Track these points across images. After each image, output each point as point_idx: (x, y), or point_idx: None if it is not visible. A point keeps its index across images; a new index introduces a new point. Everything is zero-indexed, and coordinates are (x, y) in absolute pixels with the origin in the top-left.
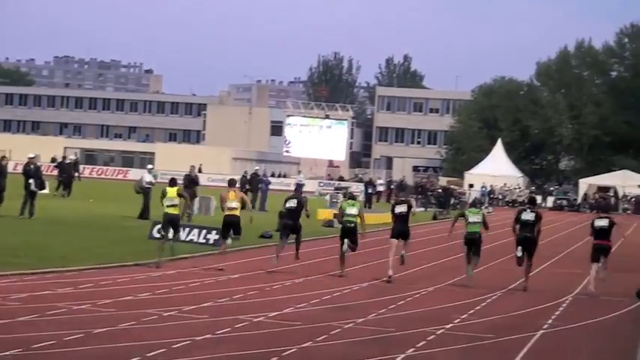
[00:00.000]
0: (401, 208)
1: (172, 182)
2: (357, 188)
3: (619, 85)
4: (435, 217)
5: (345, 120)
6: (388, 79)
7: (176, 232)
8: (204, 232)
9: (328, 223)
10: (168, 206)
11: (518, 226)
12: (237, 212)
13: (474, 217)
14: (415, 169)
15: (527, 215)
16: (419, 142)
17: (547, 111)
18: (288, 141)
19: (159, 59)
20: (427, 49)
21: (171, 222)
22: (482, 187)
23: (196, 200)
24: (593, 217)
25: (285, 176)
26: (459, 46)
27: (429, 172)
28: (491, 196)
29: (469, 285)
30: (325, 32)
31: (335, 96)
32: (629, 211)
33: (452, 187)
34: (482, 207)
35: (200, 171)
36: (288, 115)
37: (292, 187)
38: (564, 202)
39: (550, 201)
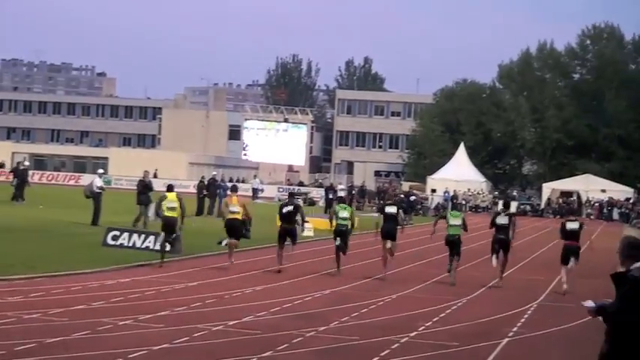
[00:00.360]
0: (391, 209)
1: (170, 188)
2: (318, 193)
3: (581, 88)
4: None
5: (305, 124)
6: (348, 82)
7: (172, 233)
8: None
9: None
10: (168, 209)
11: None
12: (238, 216)
13: (454, 220)
14: (377, 173)
15: (502, 219)
16: (380, 147)
17: (509, 114)
18: (246, 145)
19: (112, 62)
20: (388, 52)
21: (170, 225)
22: (445, 192)
23: (152, 206)
24: (563, 220)
25: (243, 181)
26: (420, 48)
27: (391, 177)
28: (455, 201)
29: (451, 283)
30: (284, 34)
31: (294, 99)
32: (592, 216)
33: (414, 192)
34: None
35: (156, 176)
36: (247, 119)
37: (249, 193)
38: (528, 208)
39: (513, 206)
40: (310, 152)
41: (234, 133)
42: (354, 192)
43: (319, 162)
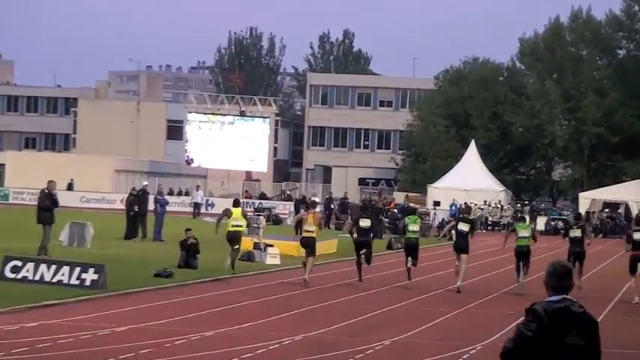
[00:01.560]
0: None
1: (236, 203)
2: (285, 208)
3: (628, 68)
4: (390, 246)
5: (267, 118)
6: (323, 63)
7: (236, 245)
8: (77, 270)
9: (247, 256)
10: (233, 225)
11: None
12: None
13: (523, 231)
14: (362, 182)
15: (576, 232)
16: (366, 147)
17: (534, 103)
18: (190, 146)
19: (10, 42)
20: (374, 23)
21: (234, 239)
22: (452, 205)
23: (65, 227)
24: (629, 231)
25: (186, 194)
26: (417, 19)
27: (381, 187)
28: (463, 215)
29: (522, 292)
30: (238, 2)
31: (253, 86)
32: None
33: (411, 205)
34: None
35: (71, 188)
36: (191, 112)
37: (190, 209)
38: (560, 224)
39: (542, 222)
40: (275, 155)
41: (175, 131)
42: (333, 206)
43: (286, 167)
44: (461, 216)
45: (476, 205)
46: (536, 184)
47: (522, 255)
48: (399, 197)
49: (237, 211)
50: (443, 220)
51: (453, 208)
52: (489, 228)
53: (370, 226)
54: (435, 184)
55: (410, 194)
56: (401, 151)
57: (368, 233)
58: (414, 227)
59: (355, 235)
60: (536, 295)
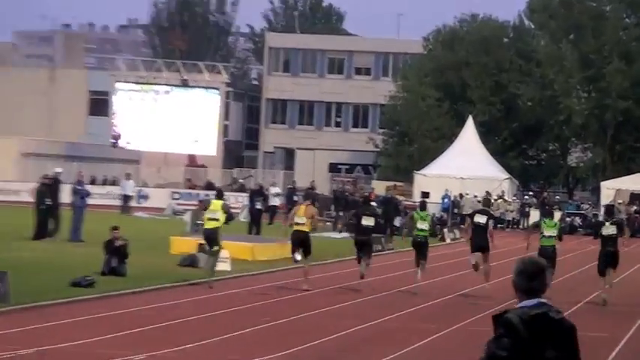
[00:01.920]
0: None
1: (219, 194)
2: (237, 201)
3: None
4: None
5: (216, 88)
6: (286, 21)
7: (213, 245)
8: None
9: (190, 260)
10: (208, 219)
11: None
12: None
13: (549, 230)
14: (333, 168)
15: (610, 229)
16: (338, 125)
17: (547, 70)
18: (118, 123)
19: None
20: None
21: (211, 237)
22: (445, 197)
23: None
24: None
25: (113, 183)
26: None
27: (357, 174)
28: (458, 211)
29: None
30: None
31: (198, 50)
32: None
33: (396, 196)
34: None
35: None
36: (119, 82)
37: (117, 202)
38: (578, 221)
39: (555, 218)
40: (225, 135)
41: (99, 105)
42: (296, 198)
43: (239, 150)
44: (478, 209)
45: (476, 197)
46: (548, 172)
47: (547, 258)
48: (380, 187)
49: (217, 204)
50: (434, 216)
51: (446, 201)
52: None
53: (374, 225)
54: (423, 171)
55: (392, 184)
56: (382, 131)
57: (370, 232)
58: (422, 225)
59: (354, 235)
60: (557, 302)
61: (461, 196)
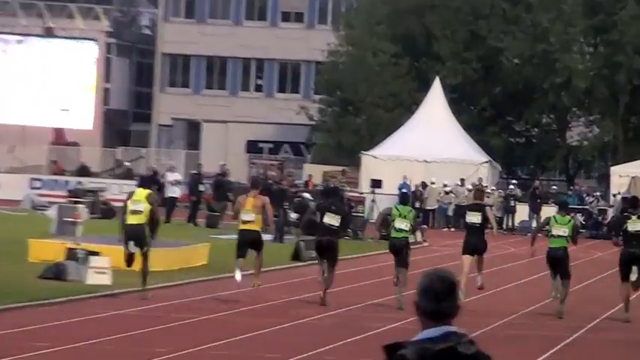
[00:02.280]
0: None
1: (144, 181)
2: (121, 192)
3: None
4: (297, 255)
5: (93, 40)
6: None
7: (142, 247)
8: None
9: (55, 271)
10: (131, 213)
11: (621, 240)
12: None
13: (560, 228)
14: (252, 147)
15: (636, 224)
16: (259, 89)
17: (539, 17)
18: None
19: None
20: None
21: (135, 235)
22: (403, 186)
23: None
24: None
25: None
26: None
27: (284, 155)
28: (421, 206)
29: (559, 315)
30: None
31: None
32: None
33: (341, 187)
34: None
35: None
36: None
37: None
38: (580, 219)
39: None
40: (105, 102)
41: None
42: (202, 187)
43: (125, 123)
44: (470, 205)
45: (445, 187)
46: (541, 153)
47: (557, 262)
48: (316, 173)
49: (140, 193)
50: (384, 215)
51: (404, 191)
52: (456, 224)
53: (340, 224)
54: (374, 152)
55: (332, 169)
56: (318, 97)
57: (335, 234)
58: (402, 224)
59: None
60: (573, 315)
61: (424, 185)
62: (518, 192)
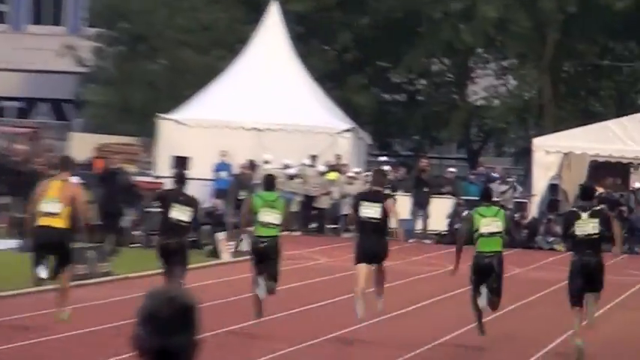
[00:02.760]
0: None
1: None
2: None
3: None
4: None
5: None
6: None
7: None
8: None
9: None
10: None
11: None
12: (56, 223)
13: (489, 224)
14: None
15: (586, 225)
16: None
17: None
18: None
19: None
20: None
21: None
22: (221, 167)
23: None
24: None
25: None
26: None
27: (39, 120)
28: (239, 198)
29: (480, 332)
30: None
31: None
32: None
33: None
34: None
35: None
36: None
37: None
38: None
39: (441, 210)
40: None
41: None
42: None
43: None
44: (364, 193)
45: (288, 169)
46: (429, 116)
47: (486, 271)
48: (87, 147)
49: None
50: (215, 209)
51: (224, 175)
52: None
53: (191, 220)
54: (177, 114)
55: (121, 142)
56: (93, 31)
57: (183, 232)
58: (269, 217)
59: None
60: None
61: (252, 165)
62: (396, 176)
